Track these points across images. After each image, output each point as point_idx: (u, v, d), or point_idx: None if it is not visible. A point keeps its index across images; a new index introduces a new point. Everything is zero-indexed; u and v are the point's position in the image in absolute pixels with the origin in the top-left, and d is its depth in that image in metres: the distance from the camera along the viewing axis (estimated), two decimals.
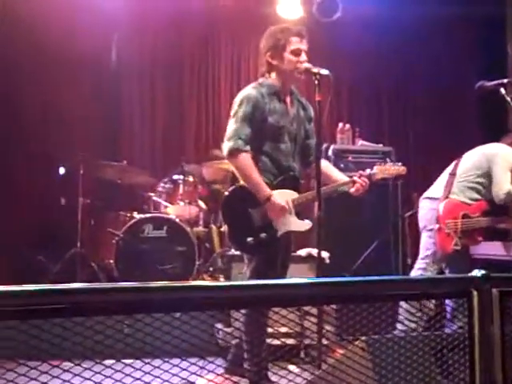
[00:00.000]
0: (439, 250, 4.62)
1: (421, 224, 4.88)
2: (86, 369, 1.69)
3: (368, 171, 3.91)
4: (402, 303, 3.96)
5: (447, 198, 4.66)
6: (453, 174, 4.77)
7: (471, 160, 4.78)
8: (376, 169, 3.96)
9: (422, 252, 4.81)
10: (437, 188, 4.84)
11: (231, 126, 3.76)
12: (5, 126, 7.08)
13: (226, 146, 3.73)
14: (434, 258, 4.71)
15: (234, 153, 3.70)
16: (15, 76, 6.97)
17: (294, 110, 3.91)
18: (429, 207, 4.80)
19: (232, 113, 3.81)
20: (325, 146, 6.21)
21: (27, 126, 7.05)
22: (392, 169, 4.06)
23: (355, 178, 3.83)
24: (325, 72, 3.63)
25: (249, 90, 3.82)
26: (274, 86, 3.84)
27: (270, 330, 3.79)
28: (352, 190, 3.82)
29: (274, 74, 3.87)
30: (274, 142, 3.79)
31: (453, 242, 4.52)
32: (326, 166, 3.99)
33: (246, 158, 3.69)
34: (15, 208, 7.12)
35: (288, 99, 3.90)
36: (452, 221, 4.54)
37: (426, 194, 4.91)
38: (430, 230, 4.71)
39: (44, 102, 7.12)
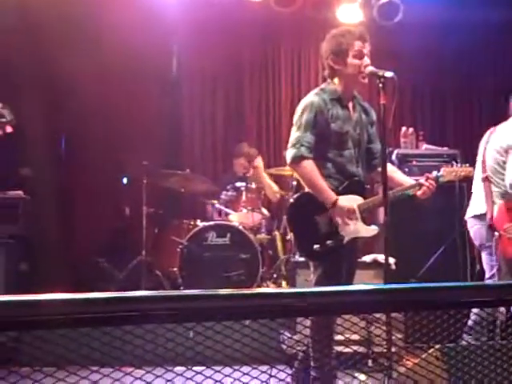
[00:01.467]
0: (505, 256, 4.42)
1: (476, 243, 4.63)
2: (157, 376, 1.69)
3: (435, 173, 3.82)
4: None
5: (494, 203, 4.45)
6: (485, 179, 4.55)
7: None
8: (443, 171, 3.87)
9: (487, 272, 4.59)
10: (477, 202, 4.63)
11: (294, 133, 3.75)
12: (70, 136, 7.25)
13: (290, 153, 3.72)
14: (499, 274, 4.50)
15: (297, 160, 3.69)
16: (79, 88, 7.11)
17: (356, 115, 3.86)
18: (478, 225, 4.57)
19: (295, 120, 3.79)
20: (389, 150, 6.11)
21: (92, 137, 7.19)
22: (460, 170, 3.96)
23: (422, 181, 3.75)
24: (389, 74, 3.57)
25: (311, 97, 3.79)
26: (337, 92, 3.80)
27: (337, 337, 3.74)
28: (419, 193, 3.75)
29: (336, 79, 3.83)
30: (338, 148, 3.75)
31: None
32: (392, 169, 3.93)
33: (309, 165, 3.67)
34: (81, 218, 7.28)
35: (350, 104, 3.85)
36: (510, 224, 4.36)
37: (470, 213, 4.65)
38: (488, 246, 4.50)
39: (107, 113, 7.25)
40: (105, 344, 1.79)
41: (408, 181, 3.86)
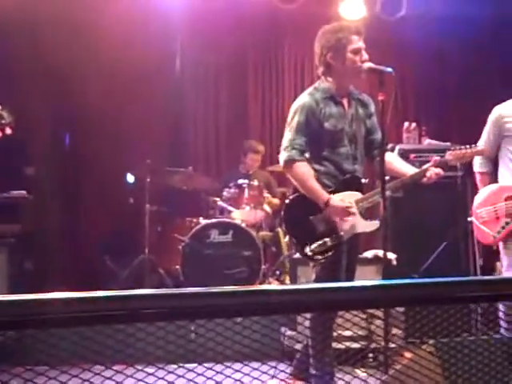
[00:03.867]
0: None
1: None
2: (149, 374, 1.69)
3: (439, 158, 3.73)
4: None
5: None
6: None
7: None
8: (449, 154, 3.76)
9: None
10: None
11: (286, 136, 3.75)
12: (74, 135, 7.28)
13: (282, 156, 3.74)
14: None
15: (289, 163, 3.70)
16: (83, 86, 7.13)
17: (351, 111, 3.83)
18: None
19: (287, 122, 3.80)
20: (391, 145, 6.09)
21: (96, 135, 7.20)
22: (469, 151, 3.80)
23: (425, 167, 3.71)
24: (388, 70, 3.56)
25: (303, 98, 3.78)
26: (330, 90, 3.77)
27: (335, 333, 3.73)
28: (424, 179, 3.70)
29: (332, 76, 3.78)
30: (333, 146, 3.73)
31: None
32: (393, 159, 3.90)
33: (300, 167, 3.68)
34: (85, 216, 7.31)
35: (345, 100, 3.82)
36: (482, 209, 4.28)
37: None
38: None
39: (111, 111, 7.26)
40: (98, 342, 1.79)
41: (411, 169, 3.81)
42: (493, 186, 4.33)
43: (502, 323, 3.68)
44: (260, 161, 6.91)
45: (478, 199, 4.37)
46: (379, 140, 3.74)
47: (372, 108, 3.93)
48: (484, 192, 4.33)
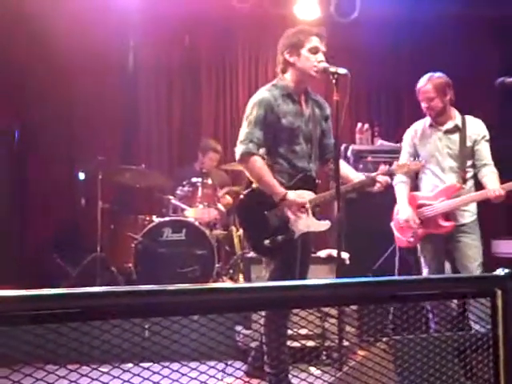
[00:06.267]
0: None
1: None
2: (104, 373, 1.67)
3: (387, 168, 3.89)
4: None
5: None
6: None
7: None
8: (395, 165, 3.96)
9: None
10: None
11: (244, 129, 3.77)
12: (24, 131, 7.15)
13: (239, 149, 3.74)
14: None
15: (245, 156, 3.71)
16: (34, 82, 7.02)
17: (309, 110, 3.88)
18: None
19: (245, 116, 3.81)
20: (344, 146, 6.17)
21: (46, 131, 7.10)
22: (412, 164, 4.06)
23: (374, 176, 3.81)
24: (342, 71, 3.60)
25: (262, 93, 3.81)
26: (288, 87, 3.82)
27: (290, 332, 3.75)
28: (372, 187, 3.81)
29: (289, 74, 3.84)
30: (289, 143, 3.77)
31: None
32: (343, 166, 3.97)
33: (257, 161, 3.70)
34: (36, 213, 7.18)
35: (303, 99, 3.87)
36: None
37: None
38: None
39: (63, 107, 7.18)
40: (52, 341, 1.77)
41: (358, 176, 3.92)
42: (409, 195, 4.67)
43: (471, 317, 3.84)
44: (218, 160, 6.89)
45: (397, 207, 4.72)
46: (332, 146, 3.88)
47: (328, 111, 3.98)
48: (402, 198, 4.65)
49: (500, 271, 1.80)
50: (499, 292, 1.78)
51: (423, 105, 4.61)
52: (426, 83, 4.61)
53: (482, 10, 7.32)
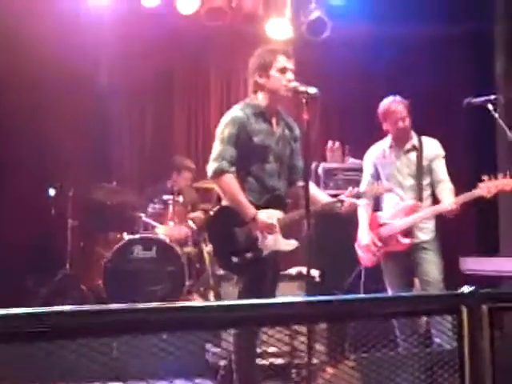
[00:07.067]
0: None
1: None
2: None
3: (356, 190, 3.92)
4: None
5: None
6: None
7: None
8: (365, 188, 4.05)
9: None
10: None
11: (216, 147, 3.79)
12: None
13: (211, 167, 3.76)
14: None
15: (218, 174, 3.73)
16: (7, 95, 6.95)
17: (279, 130, 3.91)
18: None
19: (217, 134, 3.83)
20: (314, 164, 6.21)
21: (17, 147, 7.02)
22: (380, 187, 4.18)
23: (342, 197, 3.84)
24: (312, 90, 3.62)
25: (234, 112, 3.84)
26: (260, 107, 3.85)
27: (259, 349, 3.76)
28: (340, 208, 3.84)
29: (260, 95, 3.88)
30: (260, 162, 3.80)
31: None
32: (311, 187, 4.00)
33: (230, 179, 3.72)
34: (4, 231, 7.07)
35: (274, 119, 3.91)
36: None
37: None
38: None
39: (35, 123, 7.11)
40: (19, 360, 1.75)
41: (326, 198, 3.96)
42: (371, 215, 4.76)
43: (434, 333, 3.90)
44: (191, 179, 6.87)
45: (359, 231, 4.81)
46: (300, 168, 3.91)
47: (297, 132, 4.01)
48: (363, 220, 4.74)
49: (465, 288, 1.82)
50: (464, 309, 1.80)
51: (399, 124, 4.67)
52: (399, 104, 4.70)
53: (455, 27, 7.46)
